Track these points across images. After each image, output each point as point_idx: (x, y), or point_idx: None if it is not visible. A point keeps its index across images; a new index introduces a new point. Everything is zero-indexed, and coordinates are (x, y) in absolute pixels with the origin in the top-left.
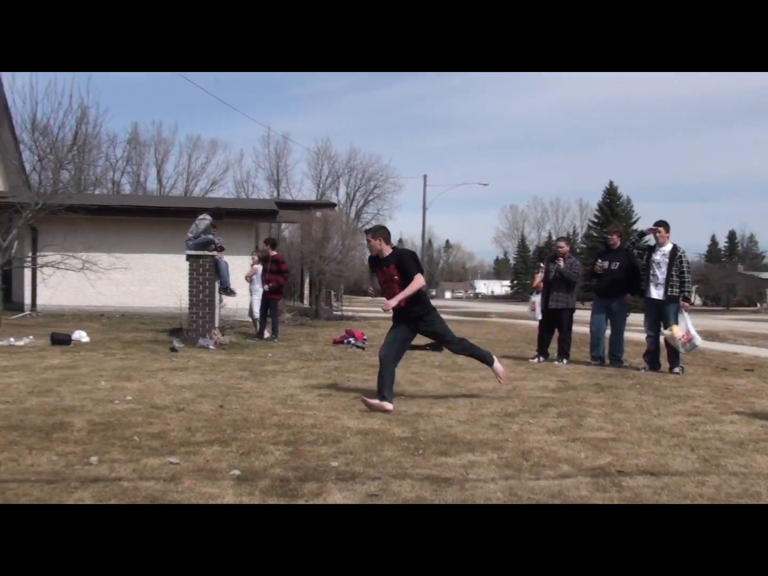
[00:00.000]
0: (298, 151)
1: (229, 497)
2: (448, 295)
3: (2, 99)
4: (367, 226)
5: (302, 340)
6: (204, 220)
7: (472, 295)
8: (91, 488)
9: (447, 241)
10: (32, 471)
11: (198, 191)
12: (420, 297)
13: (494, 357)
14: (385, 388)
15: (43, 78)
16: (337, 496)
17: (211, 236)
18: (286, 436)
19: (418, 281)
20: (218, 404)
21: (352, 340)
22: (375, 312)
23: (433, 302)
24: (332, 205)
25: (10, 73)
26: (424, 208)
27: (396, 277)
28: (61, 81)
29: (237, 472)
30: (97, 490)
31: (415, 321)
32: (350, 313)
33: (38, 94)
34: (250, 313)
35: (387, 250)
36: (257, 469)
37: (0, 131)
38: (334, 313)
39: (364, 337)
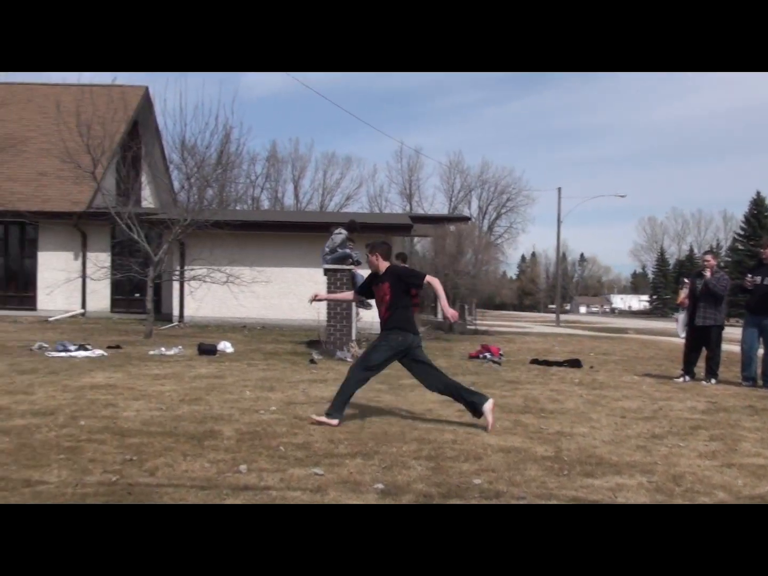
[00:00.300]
0: (431, 165)
1: None
2: (582, 310)
3: (153, 122)
4: (499, 240)
5: (437, 355)
6: (339, 234)
7: (608, 310)
8: (242, 496)
9: (581, 255)
10: (187, 477)
11: (333, 206)
12: (400, 313)
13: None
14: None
15: (191, 100)
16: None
17: (348, 250)
18: (427, 451)
19: (435, 279)
20: (359, 417)
21: (488, 355)
22: (509, 326)
23: (567, 317)
24: (466, 219)
25: (161, 97)
26: (559, 221)
27: (387, 297)
28: (208, 102)
29: (380, 485)
30: (247, 498)
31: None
32: (484, 328)
33: (187, 116)
34: None
35: (383, 267)
36: (400, 484)
37: (152, 152)
38: (468, 327)
39: (501, 352)
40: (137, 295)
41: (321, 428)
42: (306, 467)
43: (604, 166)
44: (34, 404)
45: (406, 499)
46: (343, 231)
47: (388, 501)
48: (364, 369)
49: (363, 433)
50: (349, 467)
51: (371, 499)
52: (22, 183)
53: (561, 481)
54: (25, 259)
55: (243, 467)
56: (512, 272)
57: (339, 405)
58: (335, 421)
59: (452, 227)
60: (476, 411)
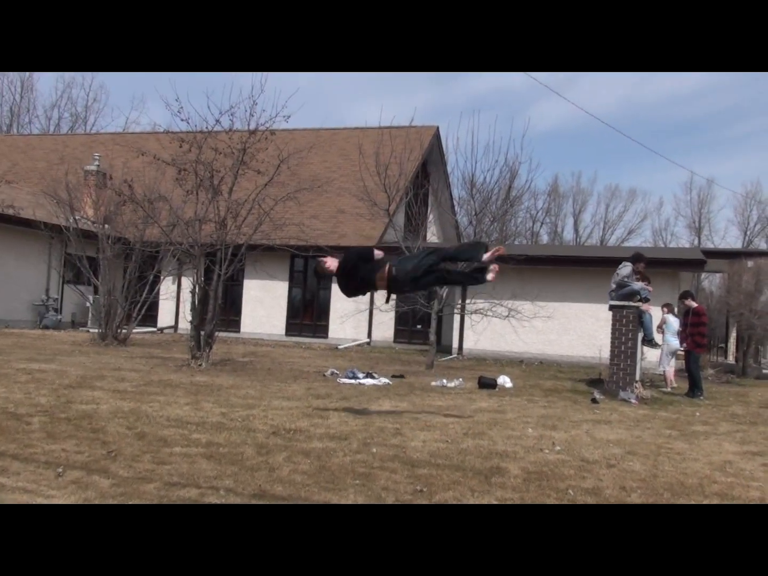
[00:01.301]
0: (723, 197)
1: None
2: None
3: (442, 160)
4: None
5: (731, 400)
6: (625, 266)
7: None
8: None
9: None
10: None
11: (613, 240)
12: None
13: None
14: None
15: (482, 138)
16: None
17: (635, 286)
18: None
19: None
20: (650, 464)
21: None
22: None
23: None
24: (766, 254)
25: (453, 135)
26: None
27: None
28: (498, 140)
29: None
30: None
31: None
32: None
33: (478, 153)
34: (660, 365)
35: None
36: None
37: (440, 189)
38: (764, 371)
39: None
40: (419, 326)
41: (611, 473)
42: None
43: None
44: (329, 428)
45: None
46: (628, 264)
47: None
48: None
49: (656, 482)
50: None
51: None
52: (322, 220)
53: None
54: (320, 290)
55: None
56: None
57: None
58: None
59: (750, 263)
60: None
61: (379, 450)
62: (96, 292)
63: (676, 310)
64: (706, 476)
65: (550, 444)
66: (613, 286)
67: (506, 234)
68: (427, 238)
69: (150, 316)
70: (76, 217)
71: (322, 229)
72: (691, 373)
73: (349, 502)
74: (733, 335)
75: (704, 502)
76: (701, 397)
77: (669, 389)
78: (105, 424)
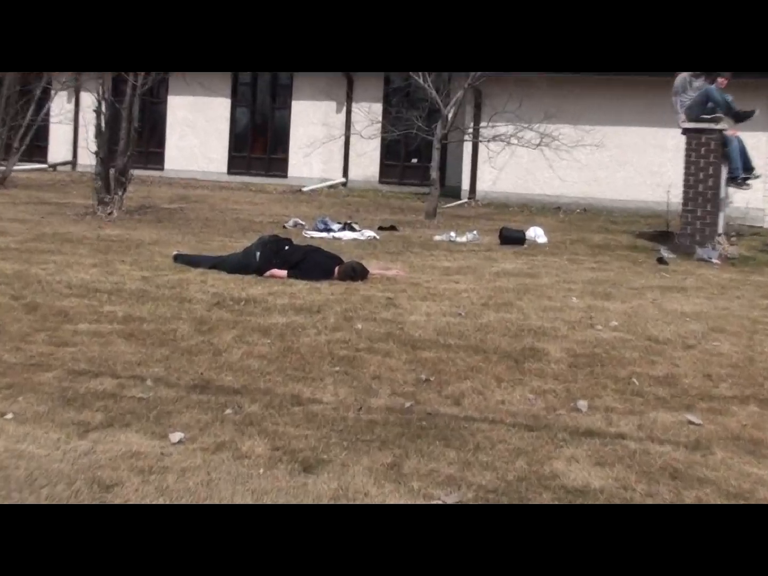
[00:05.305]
0: None
1: None
2: None
3: None
4: None
5: None
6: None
7: None
8: (586, 445)
9: None
10: (504, 411)
11: None
12: None
13: None
14: None
15: None
16: None
17: (714, 92)
18: None
19: None
20: (743, 344)
21: None
22: None
23: None
24: None
25: None
26: None
27: None
28: None
29: None
30: (593, 448)
31: None
32: None
33: None
34: None
35: None
36: None
37: None
38: None
39: None
40: (414, 160)
41: (689, 356)
42: (674, 411)
43: None
44: (294, 298)
45: None
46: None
47: None
48: None
49: (753, 368)
50: (739, 417)
51: None
52: None
53: None
54: (276, 110)
55: (582, 404)
56: None
57: None
58: None
59: None
60: None
61: (365, 326)
62: None
63: None
64: None
65: (603, 318)
66: (676, 99)
67: None
68: None
69: (38, 148)
70: None
71: None
72: None
73: (329, 396)
74: None
75: None
76: None
77: None
78: None
